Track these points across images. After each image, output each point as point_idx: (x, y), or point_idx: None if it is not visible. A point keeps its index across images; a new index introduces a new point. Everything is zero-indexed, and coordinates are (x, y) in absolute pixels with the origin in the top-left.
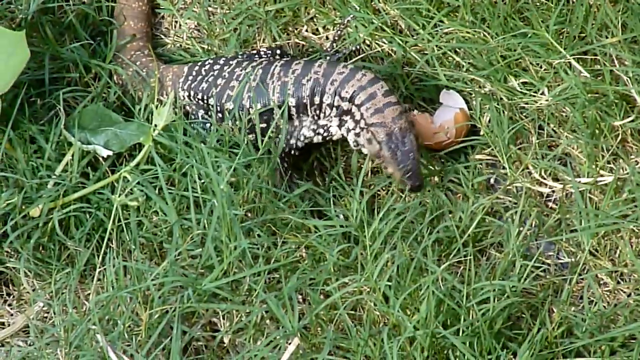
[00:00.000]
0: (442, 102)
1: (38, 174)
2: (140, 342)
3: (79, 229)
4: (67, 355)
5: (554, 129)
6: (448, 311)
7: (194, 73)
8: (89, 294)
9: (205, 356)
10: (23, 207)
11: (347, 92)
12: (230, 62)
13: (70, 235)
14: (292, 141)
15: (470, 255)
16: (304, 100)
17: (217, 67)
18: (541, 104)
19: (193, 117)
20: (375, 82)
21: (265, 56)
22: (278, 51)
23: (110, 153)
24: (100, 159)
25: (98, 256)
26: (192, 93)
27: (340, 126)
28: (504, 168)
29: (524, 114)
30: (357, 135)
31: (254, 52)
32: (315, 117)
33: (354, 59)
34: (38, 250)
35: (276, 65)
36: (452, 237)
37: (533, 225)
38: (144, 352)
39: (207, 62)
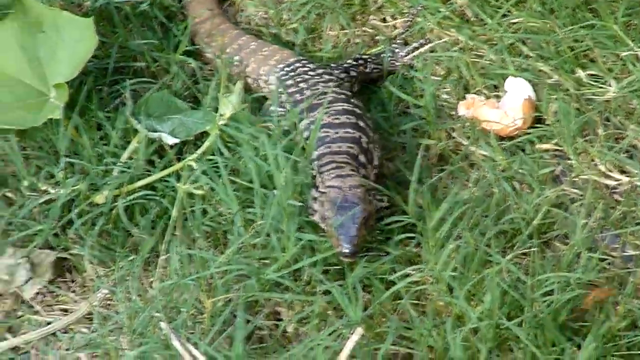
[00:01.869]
0: (507, 90)
1: (103, 160)
2: (204, 330)
3: (143, 216)
4: (130, 342)
5: (621, 121)
6: (512, 302)
7: (292, 66)
8: (152, 282)
9: (268, 345)
10: (88, 193)
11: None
12: (318, 70)
13: (135, 222)
14: None
15: (535, 247)
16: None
17: (305, 69)
18: (608, 96)
19: (269, 104)
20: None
21: (354, 67)
22: (361, 61)
23: (177, 141)
24: (166, 146)
25: (162, 244)
26: (279, 82)
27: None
28: (569, 159)
29: (591, 106)
30: (314, 200)
31: (342, 63)
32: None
33: (421, 49)
34: (102, 237)
35: (337, 105)
36: (517, 229)
37: (598, 218)
38: (207, 340)
39: (306, 63)
